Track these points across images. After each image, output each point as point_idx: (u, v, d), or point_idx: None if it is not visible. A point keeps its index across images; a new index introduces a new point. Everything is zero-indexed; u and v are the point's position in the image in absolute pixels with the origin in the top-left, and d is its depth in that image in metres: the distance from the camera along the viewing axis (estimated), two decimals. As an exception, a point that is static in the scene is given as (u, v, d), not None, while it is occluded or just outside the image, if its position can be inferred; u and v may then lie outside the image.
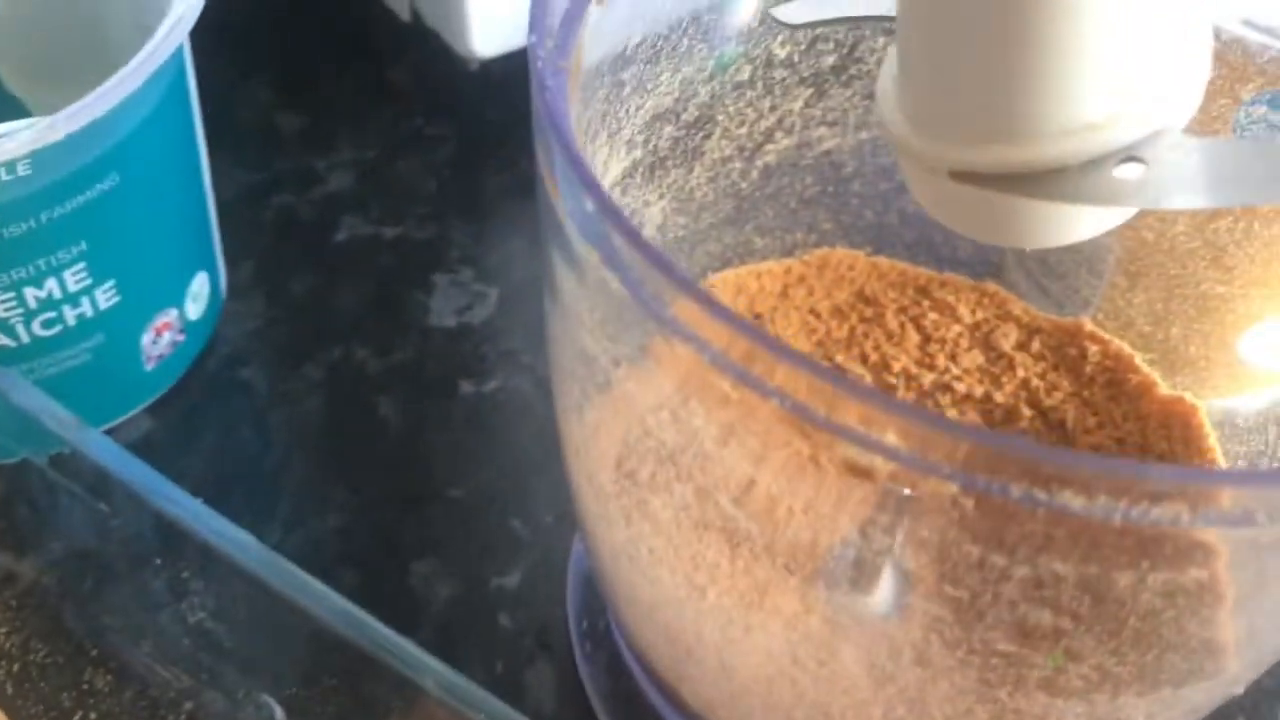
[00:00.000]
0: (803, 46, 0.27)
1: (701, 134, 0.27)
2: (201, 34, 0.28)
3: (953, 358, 0.30)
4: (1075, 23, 0.17)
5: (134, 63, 0.25)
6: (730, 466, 0.18)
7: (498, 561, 0.30)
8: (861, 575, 0.19)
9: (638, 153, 0.26)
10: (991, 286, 0.31)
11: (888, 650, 0.19)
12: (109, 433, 0.31)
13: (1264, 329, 0.28)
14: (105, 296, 0.29)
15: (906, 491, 0.16)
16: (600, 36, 0.22)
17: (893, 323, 0.30)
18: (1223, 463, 0.27)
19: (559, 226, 0.18)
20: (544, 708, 0.27)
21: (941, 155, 0.19)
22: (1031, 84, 0.18)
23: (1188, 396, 0.28)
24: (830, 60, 0.27)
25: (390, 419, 0.33)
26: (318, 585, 0.23)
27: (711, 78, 0.26)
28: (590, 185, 0.17)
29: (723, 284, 0.30)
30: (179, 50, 0.27)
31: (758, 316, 0.30)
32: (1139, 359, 0.29)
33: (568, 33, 0.20)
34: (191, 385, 0.33)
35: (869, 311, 0.30)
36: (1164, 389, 0.29)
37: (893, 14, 0.19)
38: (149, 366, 0.31)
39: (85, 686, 0.26)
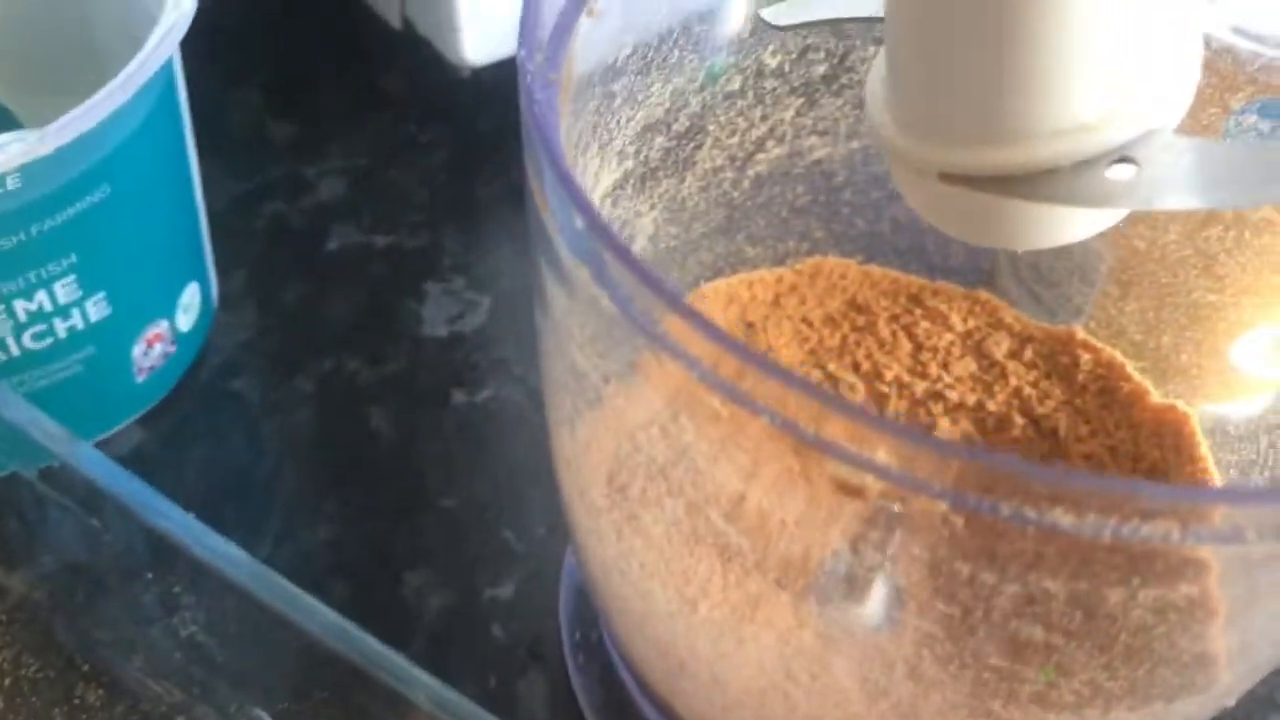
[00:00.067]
0: (793, 56, 0.27)
1: (693, 144, 0.27)
2: (192, 41, 0.28)
3: (945, 366, 0.30)
4: (1066, 20, 0.17)
5: (123, 75, 0.25)
6: (721, 482, 0.18)
7: (490, 572, 0.30)
8: (853, 591, 0.19)
9: (629, 163, 0.25)
10: (983, 294, 0.31)
11: (880, 664, 0.19)
12: (100, 445, 0.31)
13: (1255, 336, 0.28)
14: (96, 308, 0.28)
15: (897, 508, 0.16)
16: (591, 48, 0.22)
17: (885, 331, 0.30)
18: (1214, 471, 0.27)
19: (549, 242, 0.18)
20: (537, 719, 0.27)
21: (930, 157, 0.19)
22: (1021, 83, 0.17)
23: (1179, 405, 0.28)
24: (821, 70, 0.27)
25: (382, 429, 0.33)
26: (308, 599, 0.23)
27: (702, 88, 0.26)
28: (580, 202, 0.17)
29: (715, 293, 0.30)
30: (169, 62, 0.27)
31: (750, 325, 0.30)
32: (1131, 367, 0.29)
33: (558, 45, 0.20)
34: (183, 396, 0.33)
35: (861, 320, 0.30)
36: (1156, 397, 0.29)
37: (882, 14, 0.19)
38: (140, 378, 0.31)
39: (77, 701, 0.26)
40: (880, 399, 0.29)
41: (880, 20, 0.19)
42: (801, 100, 0.27)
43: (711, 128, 0.27)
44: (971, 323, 0.30)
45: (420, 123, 0.39)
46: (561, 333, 0.19)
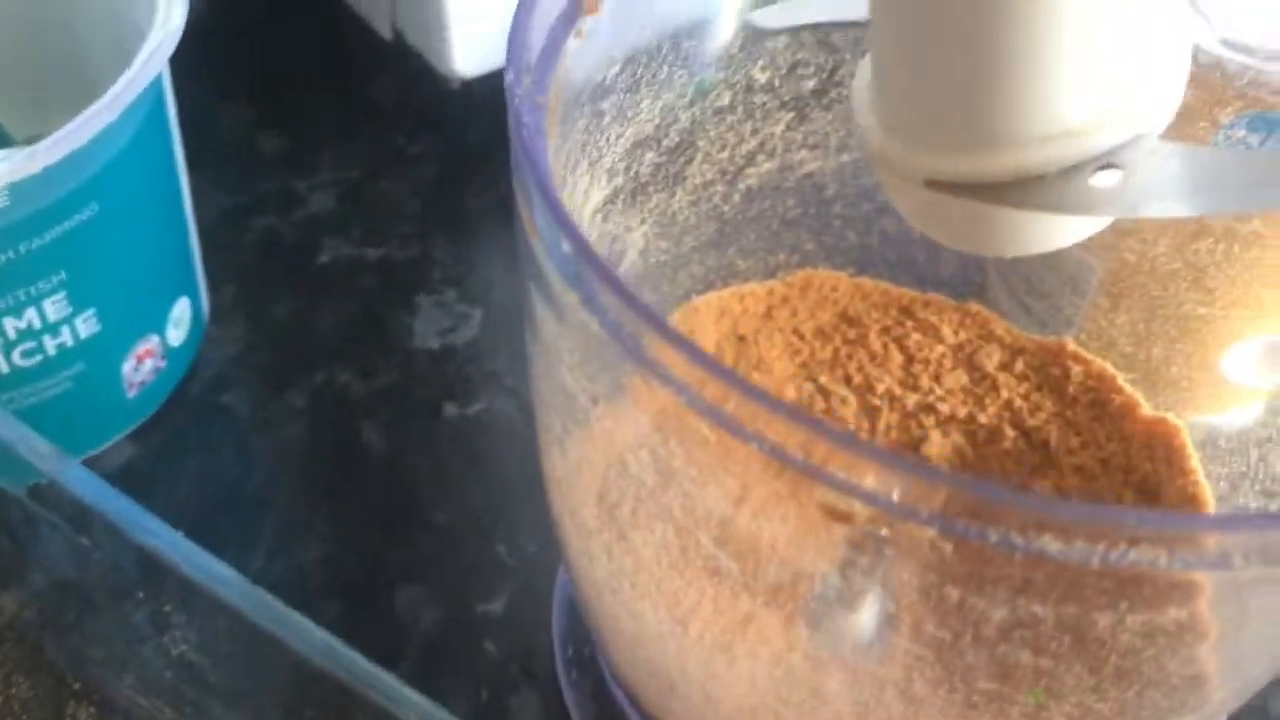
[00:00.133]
0: (783, 71, 0.27)
1: (683, 159, 0.27)
2: (181, 54, 0.27)
3: (936, 378, 0.30)
4: (1050, 25, 0.17)
5: (111, 94, 0.25)
6: (709, 506, 0.18)
7: (482, 588, 0.30)
8: (842, 614, 0.19)
9: (619, 179, 0.25)
10: (974, 306, 0.31)
11: (871, 687, 0.19)
12: (91, 460, 0.31)
13: (1245, 347, 0.29)
14: (85, 325, 0.28)
15: (885, 532, 0.16)
16: (579, 69, 0.22)
17: (876, 344, 0.30)
18: (1205, 484, 0.27)
19: (538, 266, 0.18)
20: (529, 735, 0.27)
21: (916, 163, 0.19)
22: (1005, 89, 0.17)
23: (1170, 417, 0.28)
24: (811, 84, 0.27)
25: (374, 443, 0.32)
26: (298, 618, 0.23)
27: (692, 104, 0.26)
28: (568, 228, 0.17)
29: (706, 306, 0.30)
30: (157, 79, 0.27)
31: (741, 338, 0.30)
32: (1122, 379, 0.29)
33: (545, 68, 0.20)
34: (174, 411, 0.32)
35: (852, 332, 0.30)
36: (1147, 410, 0.29)
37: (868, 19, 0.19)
38: (131, 394, 0.31)
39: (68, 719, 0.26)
40: (872, 411, 0.29)
41: (866, 22, 0.19)
42: (792, 115, 0.27)
43: (702, 143, 0.27)
44: (963, 335, 0.30)
45: (410, 134, 0.39)
46: (551, 355, 0.19)
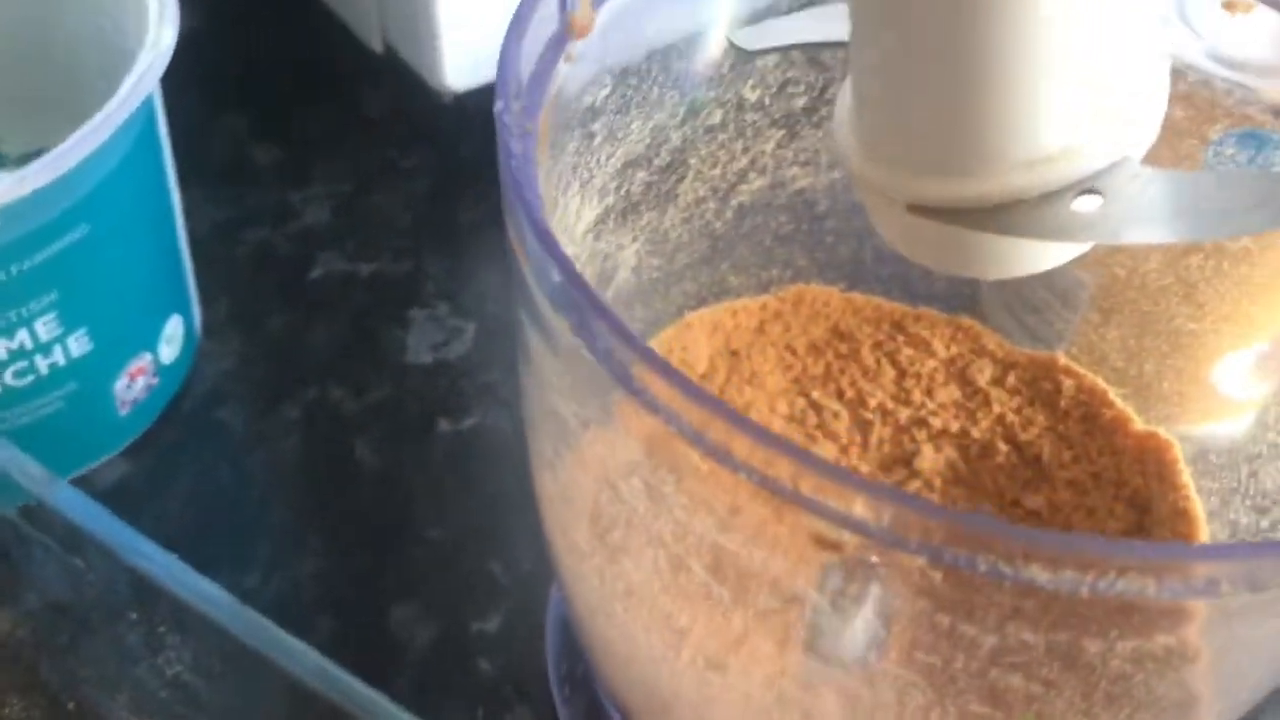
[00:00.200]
0: (773, 90, 0.27)
1: (674, 177, 0.27)
2: (174, 68, 0.27)
3: (928, 393, 0.30)
4: (1028, 52, 0.17)
5: (101, 115, 0.25)
6: (700, 533, 0.18)
7: (477, 605, 0.30)
8: (833, 639, 0.19)
9: (610, 199, 0.26)
10: (966, 321, 0.31)
11: (862, 710, 0.19)
12: (84, 478, 0.31)
13: (1236, 360, 0.29)
14: (77, 344, 0.28)
15: (874, 559, 0.16)
16: (569, 92, 0.22)
17: (868, 358, 0.30)
18: (1196, 499, 0.27)
19: (528, 293, 0.18)
20: (524, 753, 0.27)
21: (896, 187, 0.19)
22: (985, 115, 0.17)
23: (1162, 432, 0.28)
24: (801, 102, 0.27)
25: (367, 459, 0.32)
26: (291, 640, 0.23)
27: (683, 123, 0.26)
28: (558, 257, 0.17)
29: (699, 322, 0.30)
30: (148, 99, 0.27)
31: (734, 353, 0.30)
32: (1113, 394, 0.29)
33: (535, 93, 0.20)
34: (167, 428, 0.32)
35: (845, 347, 0.30)
36: (1139, 424, 0.29)
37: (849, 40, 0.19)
38: (123, 411, 0.31)
39: (61, 740, 0.26)
40: (864, 426, 0.29)
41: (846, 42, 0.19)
42: (782, 132, 0.27)
43: (693, 161, 0.27)
44: (954, 349, 0.30)
45: (403, 148, 0.39)
46: (541, 379, 0.19)
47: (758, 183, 0.28)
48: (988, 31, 0.16)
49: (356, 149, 0.39)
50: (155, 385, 0.31)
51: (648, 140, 0.25)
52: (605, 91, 0.23)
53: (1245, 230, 0.18)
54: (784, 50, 0.26)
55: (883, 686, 0.18)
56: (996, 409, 0.30)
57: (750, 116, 0.27)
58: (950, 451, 0.29)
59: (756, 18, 0.24)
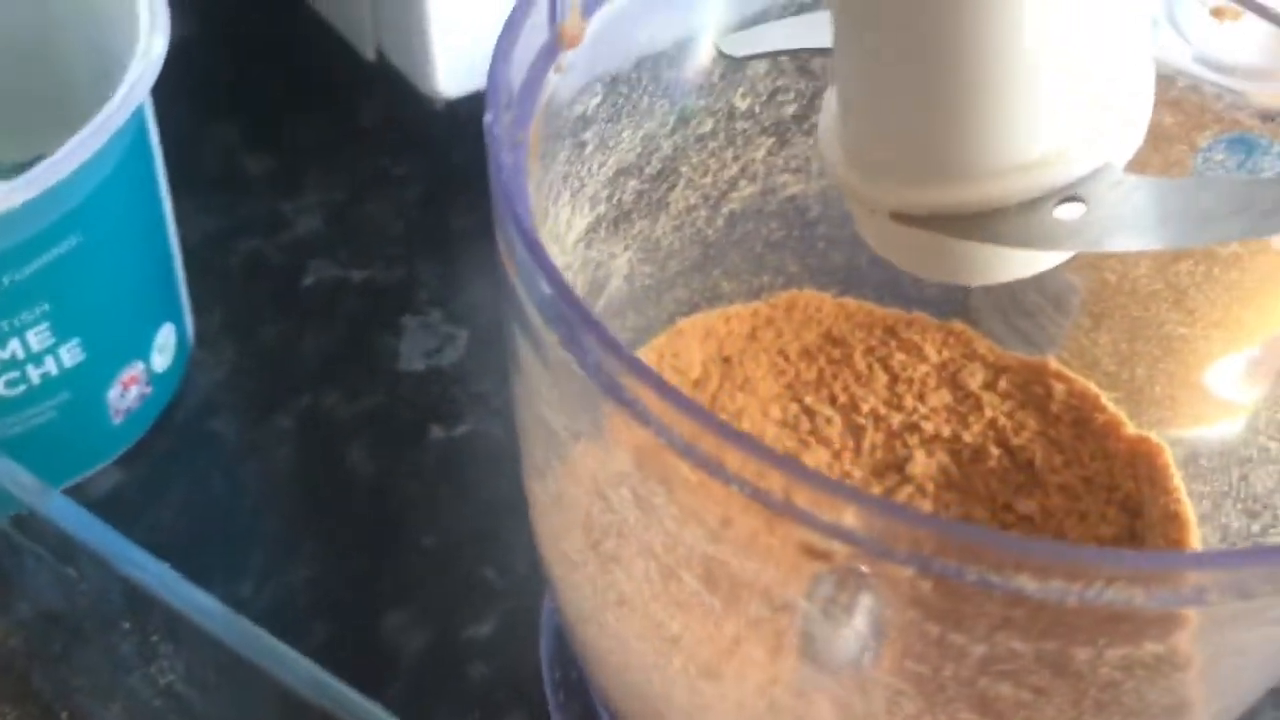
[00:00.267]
0: (763, 98, 0.27)
1: (666, 185, 0.27)
2: (165, 77, 0.27)
3: (921, 397, 0.30)
4: (1010, 61, 0.17)
5: (92, 126, 0.25)
6: (690, 544, 0.18)
7: (470, 611, 0.30)
8: (824, 648, 0.19)
9: (602, 207, 0.26)
10: (958, 325, 0.31)
11: (853, 717, 0.19)
12: (78, 487, 0.31)
13: (1227, 364, 0.29)
14: (69, 354, 0.28)
15: (865, 569, 0.16)
16: (560, 102, 0.22)
17: (861, 363, 0.30)
18: (1187, 502, 0.28)
19: (519, 305, 0.18)
20: (518, 760, 0.28)
21: (880, 195, 0.19)
22: (966, 123, 0.17)
23: (1153, 436, 0.28)
24: (791, 110, 0.27)
25: (360, 466, 0.33)
26: (285, 649, 0.23)
27: (674, 131, 0.26)
28: (547, 270, 0.17)
29: (692, 328, 0.30)
30: (139, 109, 0.27)
31: (727, 359, 0.30)
32: (1105, 398, 0.29)
33: (526, 104, 0.20)
34: (160, 437, 0.32)
35: (837, 353, 0.30)
36: (1130, 428, 0.29)
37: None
38: (116, 420, 0.31)
39: (55, 751, 0.26)
40: (857, 431, 0.29)
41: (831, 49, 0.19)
42: (773, 140, 0.28)
43: (684, 169, 0.27)
44: (946, 354, 0.31)
45: (395, 155, 0.39)
46: (532, 390, 0.19)
47: (749, 190, 0.28)
48: (968, 38, 0.16)
49: (349, 157, 0.39)
50: (148, 394, 0.31)
51: (639, 149, 0.25)
52: (596, 100, 0.23)
53: (1228, 237, 0.18)
54: (772, 57, 0.26)
55: (873, 694, 0.19)
56: (988, 413, 0.30)
57: (741, 124, 0.27)
58: (942, 456, 0.29)
59: (745, 26, 0.25)
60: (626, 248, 0.27)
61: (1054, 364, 0.30)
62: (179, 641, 0.25)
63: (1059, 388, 0.30)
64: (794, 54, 0.26)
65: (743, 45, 0.26)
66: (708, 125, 0.26)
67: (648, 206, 0.27)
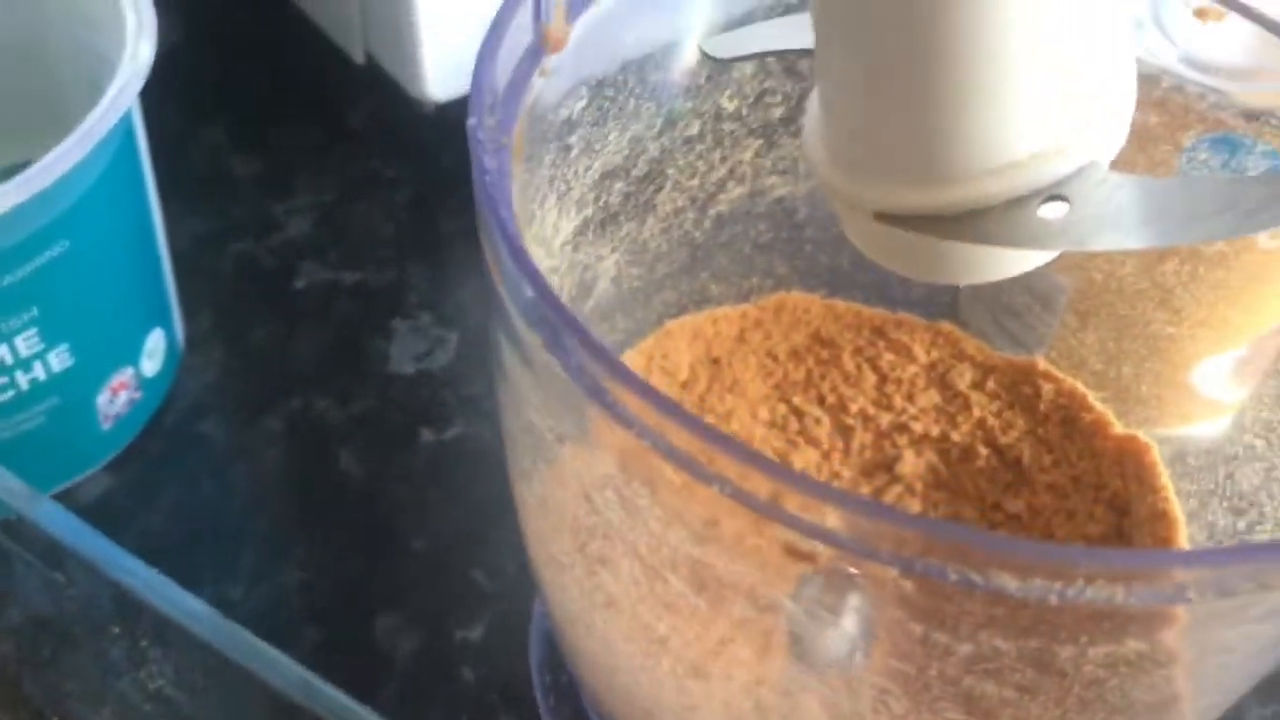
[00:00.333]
0: (750, 99, 0.27)
1: (653, 187, 0.27)
2: (155, 80, 0.27)
3: (909, 398, 0.30)
4: (992, 60, 0.17)
5: (80, 131, 0.25)
6: (675, 545, 0.18)
7: (461, 614, 0.30)
8: (808, 650, 0.19)
9: (589, 210, 0.26)
10: (946, 326, 0.31)
11: (840, 718, 0.19)
12: (68, 492, 0.31)
13: (1213, 363, 0.29)
14: (58, 360, 0.28)
15: (850, 570, 0.17)
16: (544, 105, 0.22)
17: (849, 364, 0.30)
18: (1175, 500, 0.28)
19: (503, 308, 0.18)
20: (509, 762, 0.28)
21: (863, 195, 0.19)
22: (950, 122, 0.17)
23: (1141, 434, 0.29)
24: (778, 112, 0.27)
25: (351, 470, 0.33)
26: (273, 653, 0.23)
27: (661, 134, 0.26)
28: (530, 273, 0.17)
29: (680, 330, 0.30)
30: (127, 113, 0.27)
31: (715, 361, 0.30)
32: (1092, 397, 0.29)
33: (510, 107, 0.20)
34: (150, 441, 0.32)
35: (825, 353, 0.31)
36: (1118, 427, 0.29)
37: None
38: (106, 426, 0.31)
39: (45, 756, 0.26)
40: (846, 431, 0.29)
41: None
42: (760, 142, 0.28)
43: (671, 171, 0.27)
44: (934, 354, 0.31)
45: (385, 158, 0.39)
46: (517, 393, 0.20)
47: (736, 192, 0.29)
48: (951, 36, 0.16)
49: (338, 160, 0.39)
50: (138, 399, 0.31)
51: (625, 151, 0.25)
52: (581, 104, 0.23)
53: (1212, 235, 0.18)
54: (758, 59, 0.26)
55: (860, 693, 0.19)
56: (977, 413, 0.30)
57: (728, 126, 0.27)
58: (931, 456, 0.29)
59: (730, 27, 0.25)
60: (614, 250, 0.27)
61: (1042, 364, 0.30)
62: (168, 646, 0.25)
63: (1047, 387, 0.30)
64: (780, 55, 0.26)
65: (728, 47, 0.26)
66: (695, 127, 0.26)
67: (635, 209, 0.27)
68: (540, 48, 0.21)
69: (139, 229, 0.30)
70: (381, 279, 0.36)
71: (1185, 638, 0.17)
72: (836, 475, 0.28)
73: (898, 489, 0.28)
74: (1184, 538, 0.27)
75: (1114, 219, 0.18)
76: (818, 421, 0.29)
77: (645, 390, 0.16)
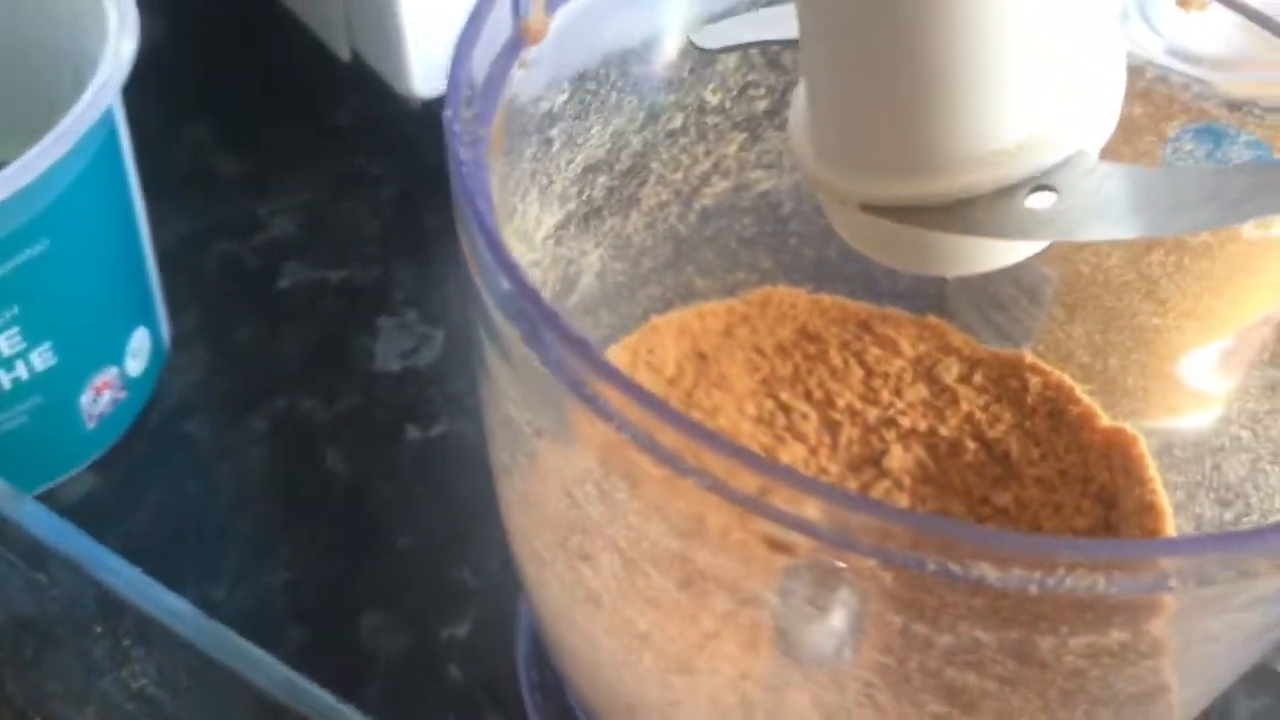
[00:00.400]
0: (734, 93, 0.27)
1: (636, 181, 0.27)
2: (138, 77, 0.27)
3: (897, 392, 0.30)
4: (978, 49, 0.16)
5: (60, 128, 0.25)
6: (655, 539, 0.18)
7: (447, 612, 0.30)
8: (794, 644, 0.19)
9: (571, 205, 0.26)
10: (933, 320, 0.31)
11: (823, 713, 0.19)
12: (52, 491, 0.31)
13: (1200, 355, 0.29)
14: (41, 359, 0.28)
15: (829, 563, 0.16)
16: (524, 98, 0.22)
17: (836, 359, 0.30)
18: (1162, 492, 0.28)
19: (481, 302, 0.18)
20: (496, 760, 0.27)
21: (850, 187, 0.19)
22: (934, 112, 0.17)
23: (1128, 426, 0.29)
24: (763, 105, 0.27)
25: (336, 468, 0.32)
26: (257, 652, 0.23)
27: (643, 127, 0.26)
28: (507, 266, 0.17)
29: (666, 325, 0.30)
30: (108, 110, 0.27)
31: (702, 356, 0.30)
32: (1079, 390, 0.29)
33: (489, 99, 0.20)
34: (135, 441, 0.32)
35: (812, 348, 0.30)
36: (1105, 419, 0.29)
37: None
38: (90, 425, 0.31)
39: (28, 756, 0.26)
40: (833, 426, 0.29)
41: None
42: (745, 135, 0.27)
43: (655, 165, 0.27)
44: (921, 348, 0.31)
45: (370, 156, 0.39)
46: (496, 388, 0.19)
47: (721, 186, 0.28)
48: (938, 24, 0.16)
49: (324, 157, 0.39)
50: (122, 399, 0.31)
51: (608, 145, 0.25)
52: (563, 97, 0.23)
53: (1198, 225, 0.18)
54: (743, 49, 0.26)
55: (845, 687, 0.18)
56: (964, 407, 0.30)
57: (712, 120, 0.27)
58: (919, 450, 0.29)
59: (713, 20, 0.24)
60: (598, 245, 0.27)
61: (1029, 357, 0.30)
62: (151, 645, 0.25)
63: (1034, 380, 0.30)
64: (767, 45, 0.26)
65: (714, 38, 0.26)
66: (678, 121, 0.26)
67: (618, 203, 0.27)
68: (519, 39, 0.21)
69: (122, 227, 0.30)
70: (367, 276, 0.36)
71: (1169, 627, 0.17)
72: (824, 470, 0.28)
73: (886, 484, 0.28)
74: (1171, 530, 0.27)
75: (1102, 209, 0.17)
76: (805, 417, 0.29)
77: (623, 383, 0.16)
